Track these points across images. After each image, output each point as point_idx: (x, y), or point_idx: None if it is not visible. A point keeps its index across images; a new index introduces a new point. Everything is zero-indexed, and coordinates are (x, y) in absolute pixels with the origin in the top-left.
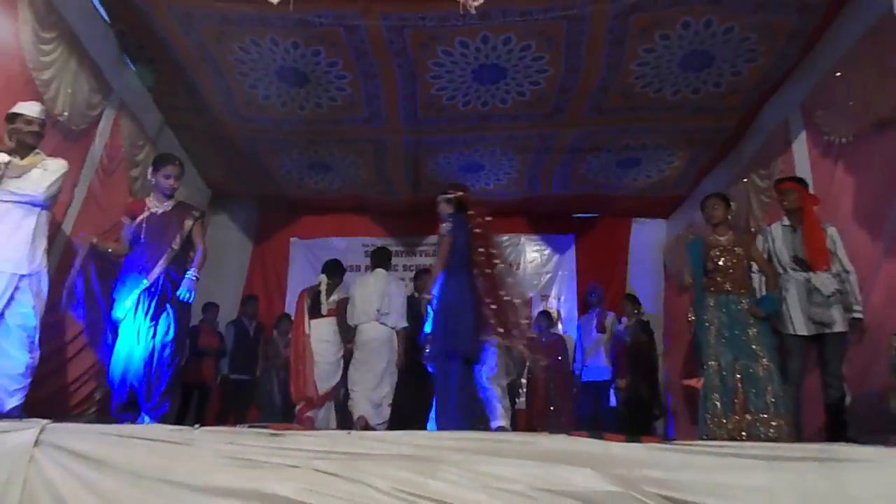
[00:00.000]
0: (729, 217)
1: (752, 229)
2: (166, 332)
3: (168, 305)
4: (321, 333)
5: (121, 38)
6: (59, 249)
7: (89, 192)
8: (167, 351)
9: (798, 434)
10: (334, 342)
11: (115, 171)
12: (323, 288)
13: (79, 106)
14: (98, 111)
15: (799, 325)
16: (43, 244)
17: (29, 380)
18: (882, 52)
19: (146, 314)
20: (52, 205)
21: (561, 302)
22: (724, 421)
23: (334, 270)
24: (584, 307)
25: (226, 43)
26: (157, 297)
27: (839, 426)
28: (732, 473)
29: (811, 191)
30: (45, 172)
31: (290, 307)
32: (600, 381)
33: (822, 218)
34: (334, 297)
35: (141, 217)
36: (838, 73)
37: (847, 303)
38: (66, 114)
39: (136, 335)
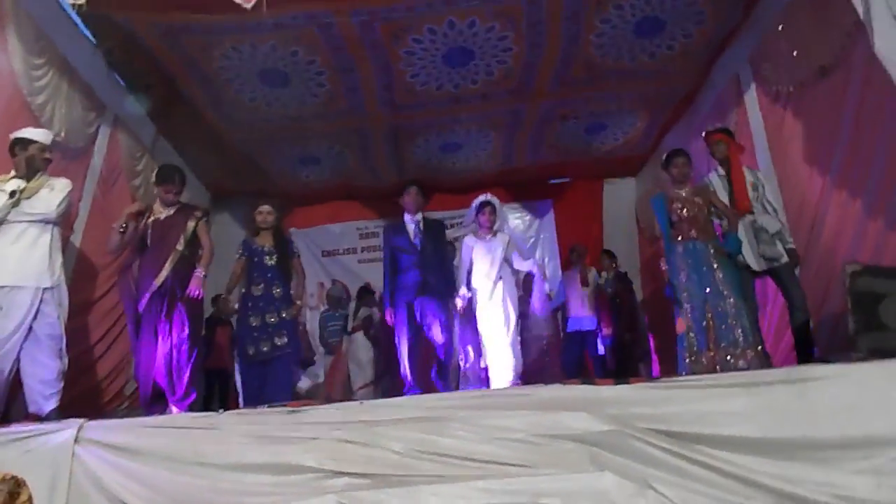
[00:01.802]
0: (690, 171)
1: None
2: (181, 330)
3: (179, 304)
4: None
5: (108, 56)
6: (72, 262)
7: (94, 205)
8: (184, 346)
9: (767, 361)
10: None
11: (117, 182)
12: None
13: (75, 125)
14: (94, 128)
15: (750, 261)
16: (59, 258)
17: (61, 384)
18: (819, 4)
19: (160, 314)
20: (62, 221)
21: (546, 262)
22: (701, 356)
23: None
24: (566, 264)
25: (208, 52)
26: (167, 298)
27: (807, 345)
28: (712, 402)
29: (764, 137)
30: (52, 192)
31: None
32: (585, 331)
33: (774, 161)
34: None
35: (145, 221)
36: (780, 27)
37: (783, 238)
38: (62, 134)
39: (153, 335)
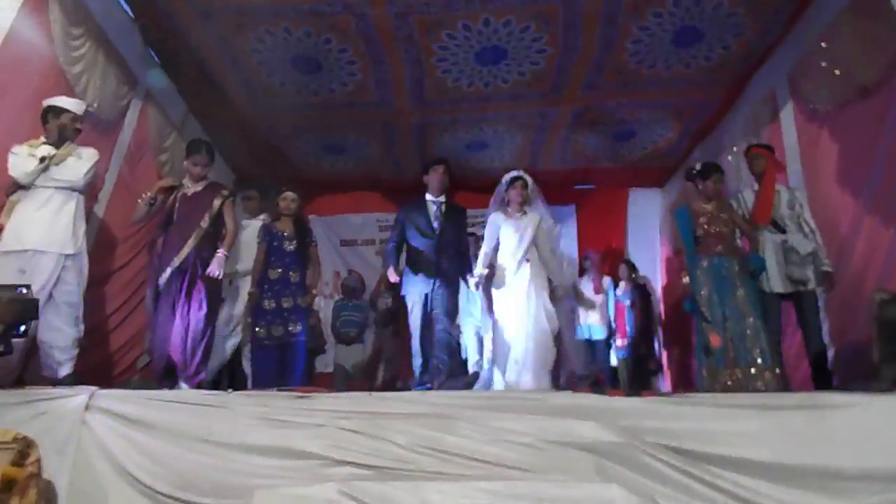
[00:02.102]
0: (724, 188)
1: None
2: (199, 308)
3: (199, 282)
4: None
5: (144, 32)
6: (94, 232)
7: (119, 178)
8: (200, 325)
9: (785, 385)
10: None
11: (143, 157)
12: None
13: (108, 98)
14: (125, 102)
15: (776, 283)
16: (83, 226)
17: (76, 350)
18: (863, 22)
19: (180, 291)
20: (87, 190)
21: (564, 269)
22: (718, 375)
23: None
24: (580, 271)
25: (243, 34)
26: (188, 275)
27: (824, 376)
28: (723, 421)
29: (798, 156)
30: (80, 160)
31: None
32: (595, 340)
33: (807, 182)
34: None
35: (174, 196)
36: (823, 44)
37: (818, 261)
38: (95, 105)
39: (171, 310)
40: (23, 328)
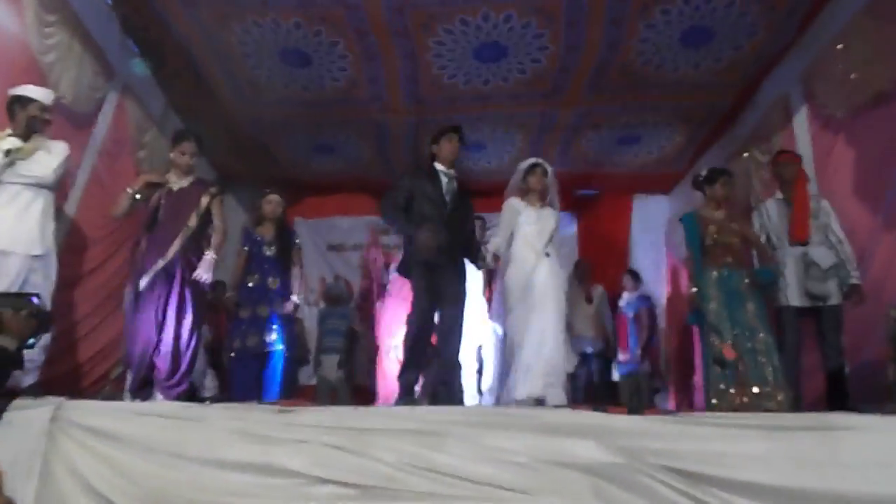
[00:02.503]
0: (732, 193)
1: (753, 205)
2: (186, 314)
3: (185, 286)
4: None
5: (123, 21)
6: (64, 232)
7: (94, 175)
8: (188, 332)
9: (798, 405)
10: None
11: (121, 154)
12: None
13: (82, 89)
14: (101, 94)
15: (794, 297)
16: (51, 225)
17: (43, 358)
18: (881, 25)
19: (165, 295)
20: (57, 187)
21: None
22: (727, 393)
23: None
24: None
25: (228, 25)
26: (174, 278)
27: (840, 396)
28: (731, 443)
29: (812, 164)
30: (49, 155)
31: None
32: (587, 353)
33: (821, 191)
34: None
35: (159, 193)
36: (839, 46)
37: (843, 273)
38: (69, 97)
39: (153, 315)
40: (32, 340)
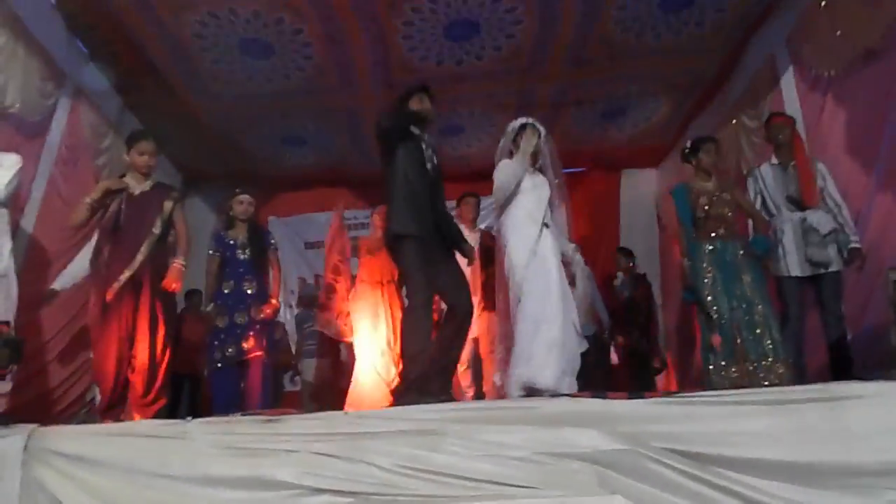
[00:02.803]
0: (718, 160)
1: (745, 172)
2: (157, 326)
3: (153, 296)
4: None
5: (70, 20)
6: (23, 249)
7: (51, 186)
8: (160, 345)
9: (801, 376)
10: None
11: (79, 161)
12: None
13: (31, 96)
14: (52, 101)
15: (794, 266)
16: (8, 243)
17: (10, 385)
18: None
19: (133, 306)
20: (10, 202)
21: None
22: (728, 370)
23: None
24: None
25: (182, 17)
26: (141, 287)
27: (844, 364)
28: (735, 421)
29: (802, 126)
30: (1, 169)
31: None
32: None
33: (812, 153)
34: None
35: (119, 199)
36: (823, 3)
37: (841, 238)
38: (17, 105)
39: (123, 328)
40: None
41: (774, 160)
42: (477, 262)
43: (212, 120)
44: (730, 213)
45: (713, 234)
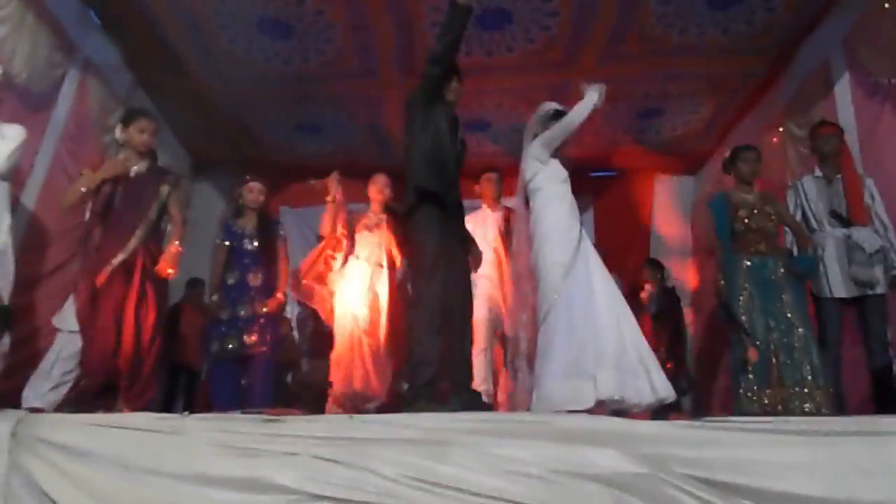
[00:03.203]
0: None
1: (790, 184)
2: (148, 312)
3: (146, 282)
4: None
5: None
6: (22, 226)
7: (55, 161)
8: (149, 333)
9: (840, 406)
10: None
11: (85, 137)
12: None
13: (39, 67)
14: (61, 72)
15: (837, 286)
16: (7, 219)
17: (0, 366)
18: None
19: (125, 291)
20: (11, 175)
21: None
22: (760, 395)
23: None
24: None
25: None
26: (133, 273)
27: (888, 395)
28: (768, 450)
29: (856, 137)
30: (3, 140)
31: None
32: None
33: (865, 168)
34: None
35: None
36: (887, 5)
37: (888, 260)
38: (24, 75)
39: (113, 315)
40: None
41: (818, 172)
42: (501, 245)
43: (225, 103)
44: (772, 227)
45: (752, 249)
